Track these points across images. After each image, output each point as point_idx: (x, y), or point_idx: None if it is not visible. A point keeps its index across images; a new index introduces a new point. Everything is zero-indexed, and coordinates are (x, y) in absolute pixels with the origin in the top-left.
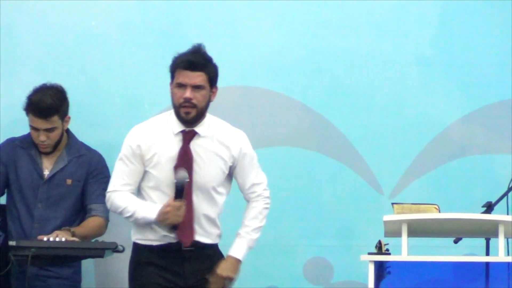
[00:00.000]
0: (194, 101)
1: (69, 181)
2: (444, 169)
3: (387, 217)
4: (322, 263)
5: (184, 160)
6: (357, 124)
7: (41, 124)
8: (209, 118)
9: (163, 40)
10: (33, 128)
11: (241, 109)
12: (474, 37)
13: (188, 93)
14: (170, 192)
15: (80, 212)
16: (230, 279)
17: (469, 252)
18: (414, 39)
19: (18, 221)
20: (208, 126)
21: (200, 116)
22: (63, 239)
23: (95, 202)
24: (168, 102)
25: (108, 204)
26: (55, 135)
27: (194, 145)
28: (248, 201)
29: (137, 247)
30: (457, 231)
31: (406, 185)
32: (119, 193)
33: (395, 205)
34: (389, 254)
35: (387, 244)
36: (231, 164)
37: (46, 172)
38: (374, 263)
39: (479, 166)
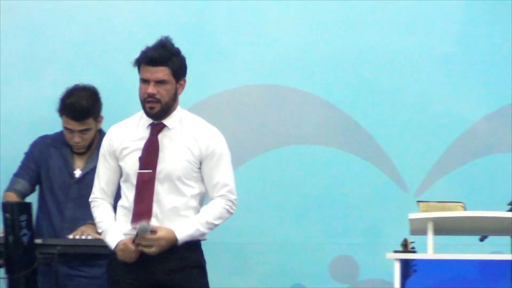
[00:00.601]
0: (157, 96)
1: None
2: (470, 167)
3: (412, 215)
4: (348, 261)
5: (150, 150)
6: (382, 122)
7: (76, 126)
8: (181, 112)
9: (189, 38)
10: (67, 129)
11: (266, 107)
12: (499, 35)
13: (150, 89)
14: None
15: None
16: (150, 247)
17: (495, 250)
18: (439, 37)
19: (49, 220)
20: (179, 119)
21: (165, 110)
22: (90, 237)
23: None
24: (198, 98)
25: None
26: (89, 136)
27: (162, 137)
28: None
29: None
30: (482, 229)
31: (432, 183)
32: (97, 204)
33: (420, 203)
34: (415, 252)
35: (413, 242)
36: (199, 158)
37: (78, 172)
38: (400, 261)
39: (504, 164)
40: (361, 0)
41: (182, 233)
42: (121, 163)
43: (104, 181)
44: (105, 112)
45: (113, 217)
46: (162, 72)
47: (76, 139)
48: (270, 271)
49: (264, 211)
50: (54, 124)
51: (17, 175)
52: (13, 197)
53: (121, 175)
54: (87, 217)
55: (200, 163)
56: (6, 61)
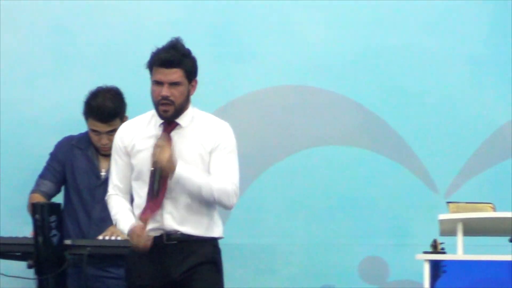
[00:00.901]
0: (171, 98)
1: None
2: (499, 168)
3: (442, 216)
4: (377, 262)
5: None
6: (412, 123)
7: (103, 127)
8: (193, 111)
9: (216, 40)
10: (94, 131)
11: (295, 108)
12: None
13: (164, 91)
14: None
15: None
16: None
17: None
18: (467, 38)
19: (76, 222)
20: (191, 118)
21: (178, 111)
22: (119, 238)
23: None
24: (225, 99)
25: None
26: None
27: (175, 134)
28: None
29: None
30: None
31: (461, 184)
32: (111, 198)
33: (450, 204)
34: (445, 253)
35: (443, 243)
36: (210, 152)
37: (103, 173)
38: (430, 262)
39: None
40: (389, 1)
41: (184, 169)
42: (133, 161)
43: (118, 177)
44: (133, 113)
45: (127, 207)
46: (175, 74)
47: (103, 141)
48: (299, 272)
49: (293, 212)
50: (81, 125)
51: (42, 176)
52: (39, 199)
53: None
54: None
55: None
56: (33, 62)
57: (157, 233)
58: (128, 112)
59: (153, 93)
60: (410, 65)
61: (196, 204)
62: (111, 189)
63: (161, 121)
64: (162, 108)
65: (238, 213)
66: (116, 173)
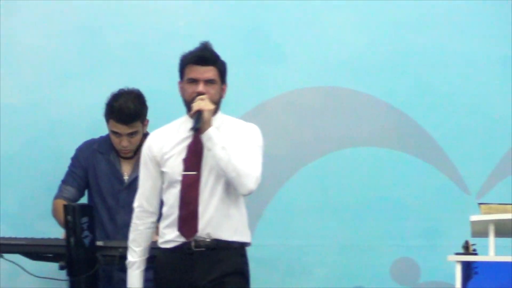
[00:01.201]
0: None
1: None
2: None
3: (474, 217)
4: (408, 263)
5: (194, 152)
6: (443, 124)
7: (124, 129)
8: (221, 116)
9: (248, 41)
10: (115, 133)
11: (326, 110)
12: None
13: (201, 87)
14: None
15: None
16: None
17: None
18: (499, 39)
19: (101, 226)
20: (221, 121)
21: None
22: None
23: None
24: (257, 101)
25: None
26: (136, 139)
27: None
28: None
29: (159, 250)
30: None
31: (493, 185)
32: (134, 228)
33: (482, 205)
34: (476, 254)
35: (474, 244)
36: None
37: (126, 177)
38: (461, 263)
39: None
40: (420, 1)
41: (216, 132)
42: (164, 169)
43: (148, 188)
44: (161, 116)
45: (144, 248)
46: (211, 72)
47: (124, 143)
48: (330, 273)
49: (324, 213)
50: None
51: (64, 182)
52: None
53: (163, 182)
54: None
55: None
56: (62, 63)
57: (184, 240)
58: (156, 115)
59: (186, 92)
60: (441, 66)
61: (226, 207)
62: (140, 199)
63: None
64: None
65: (270, 214)
66: (145, 183)
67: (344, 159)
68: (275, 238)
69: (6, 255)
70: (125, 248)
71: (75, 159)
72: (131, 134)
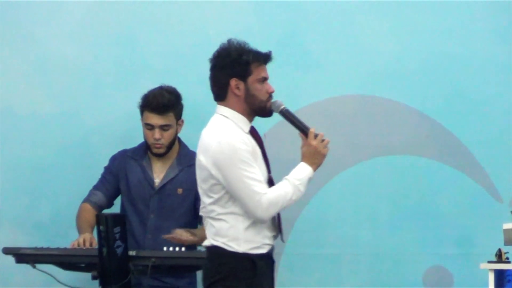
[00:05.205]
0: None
1: (180, 190)
2: None
3: (506, 225)
4: (441, 271)
5: (265, 154)
6: (475, 132)
7: (157, 120)
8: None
9: (281, 49)
10: (148, 125)
11: (359, 118)
12: None
13: (157, 134)
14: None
15: (193, 221)
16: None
17: None
18: None
19: (131, 232)
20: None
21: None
22: (183, 249)
23: None
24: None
25: (265, 205)
26: (169, 134)
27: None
28: None
29: (248, 257)
30: None
31: None
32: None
33: None
34: (509, 262)
35: (507, 252)
36: None
37: (157, 182)
38: (494, 271)
39: None
40: (453, 9)
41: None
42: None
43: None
44: (196, 123)
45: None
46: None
47: (156, 135)
48: (364, 281)
49: (357, 221)
50: (142, 135)
51: (95, 187)
52: (87, 208)
53: None
54: (169, 227)
55: None
56: (96, 72)
57: (269, 249)
58: (192, 124)
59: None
60: (474, 73)
61: None
62: (261, 189)
63: (248, 127)
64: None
65: (302, 223)
66: (259, 174)
67: (376, 167)
68: (309, 247)
69: (39, 265)
70: (158, 258)
71: (108, 167)
72: (164, 127)
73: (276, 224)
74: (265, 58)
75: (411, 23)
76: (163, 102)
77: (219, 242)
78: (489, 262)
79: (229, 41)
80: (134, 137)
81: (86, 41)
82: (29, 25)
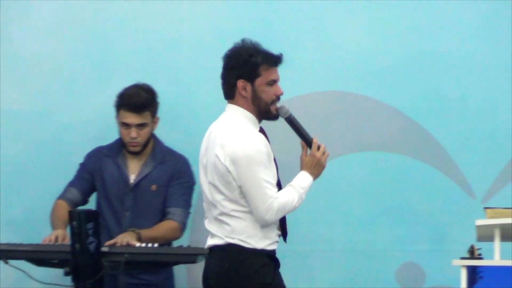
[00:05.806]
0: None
1: (154, 187)
2: None
3: (479, 222)
4: (414, 268)
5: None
6: (449, 129)
7: (134, 119)
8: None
9: None
10: (124, 124)
11: (334, 114)
12: None
13: (133, 133)
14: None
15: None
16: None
17: None
18: (507, 43)
19: (106, 230)
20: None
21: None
22: (156, 245)
23: (173, 205)
24: None
25: (275, 209)
26: (145, 132)
27: None
28: None
29: (267, 253)
30: None
31: (499, 189)
32: (278, 197)
33: (487, 210)
34: (482, 259)
35: (480, 248)
36: None
37: (132, 180)
38: (467, 267)
39: None
40: (428, 6)
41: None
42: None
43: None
44: (170, 120)
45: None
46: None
47: (133, 134)
48: (336, 278)
49: (331, 218)
50: (116, 132)
51: (70, 184)
52: (62, 205)
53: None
54: (144, 224)
55: None
56: (69, 69)
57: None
58: (167, 120)
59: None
60: (449, 71)
61: None
62: (274, 193)
63: (259, 126)
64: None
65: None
66: (274, 178)
67: (350, 163)
68: (280, 244)
69: (11, 261)
70: (131, 254)
71: (83, 164)
72: (140, 126)
73: (282, 225)
74: (276, 60)
75: (386, 20)
76: (140, 102)
77: (235, 239)
78: (462, 258)
79: (243, 40)
80: (109, 134)
81: (60, 38)
82: (1, 23)
